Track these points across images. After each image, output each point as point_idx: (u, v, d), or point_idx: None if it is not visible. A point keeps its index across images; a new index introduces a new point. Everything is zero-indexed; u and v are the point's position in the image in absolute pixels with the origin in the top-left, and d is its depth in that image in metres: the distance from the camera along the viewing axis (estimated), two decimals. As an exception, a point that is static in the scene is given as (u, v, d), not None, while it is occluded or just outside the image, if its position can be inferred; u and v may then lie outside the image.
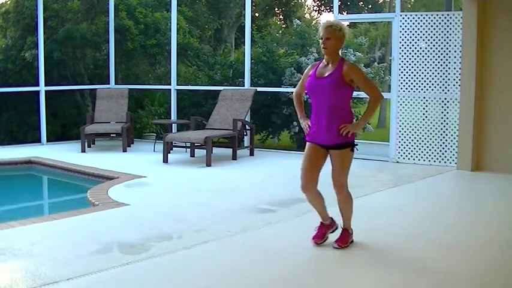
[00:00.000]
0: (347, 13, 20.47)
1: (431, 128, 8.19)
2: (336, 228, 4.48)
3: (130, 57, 13.01)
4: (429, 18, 8.13)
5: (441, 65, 8.07)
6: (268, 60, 12.54)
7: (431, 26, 8.10)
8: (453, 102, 8.01)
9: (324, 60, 4.21)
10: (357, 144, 4.25)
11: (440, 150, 8.13)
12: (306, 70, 4.32)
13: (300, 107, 4.41)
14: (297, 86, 4.48)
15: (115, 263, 3.94)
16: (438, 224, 5.18)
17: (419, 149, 8.28)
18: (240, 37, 17.88)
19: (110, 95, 10.47)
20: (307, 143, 4.27)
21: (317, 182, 4.26)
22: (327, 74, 4.11)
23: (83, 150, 9.34)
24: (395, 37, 8.42)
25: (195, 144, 8.71)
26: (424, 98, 8.22)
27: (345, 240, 4.31)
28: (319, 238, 4.39)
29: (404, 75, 8.32)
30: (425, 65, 8.16)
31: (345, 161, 4.19)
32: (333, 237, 4.43)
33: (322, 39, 4.12)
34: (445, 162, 8.08)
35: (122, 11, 12.43)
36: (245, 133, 9.27)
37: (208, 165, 8.07)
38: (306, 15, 25.72)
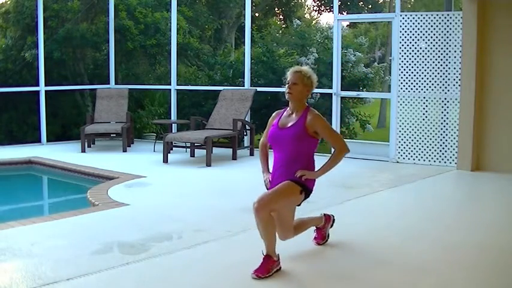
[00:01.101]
0: (347, 13, 20.46)
1: (431, 128, 8.19)
2: (334, 221, 4.42)
3: (130, 57, 13.01)
4: (429, 18, 8.13)
5: (441, 65, 8.07)
6: (268, 60, 12.54)
7: (431, 26, 8.10)
8: (453, 102, 8.01)
9: (288, 109, 3.98)
10: (310, 192, 3.89)
11: (440, 150, 8.13)
12: (271, 118, 4.08)
13: (265, 160, 4.10)
14: (263, 135, 4.16)
15: (115, 263, 3.95)
16: (438, 224, 5.18)
17: (419, 149, 8.28)
18: (240, 37, 17.87)
19: (110, 95, 10.47)
20: None
21: (291, 227, 3.99)
22: (289, 125, 3.87)
23: (83, 150, 9.33)
24: (395, 37, 8.42)
25: (195, 144, 8.71)
26: (424, 98, 8.22)
27: (267, 268, 3.72)
28: (321, 239, 4.39)
29: (404, 75, 8.32)
30: (425, 65, 8.16)
31: (283, 188, 3.76)
32: (334, 237, 4.42)
33: (288, 83, 3.89)
34: (445, 162, 8.08)
35: (121, 11, 12.44)
36: (245, 133, 9.27)
37: (208, 165, 8.07)
38: (306, 15, 25.72)
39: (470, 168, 7.68)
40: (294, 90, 3.87)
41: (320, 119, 3.86)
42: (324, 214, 4.43)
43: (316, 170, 3.90)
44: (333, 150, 3.96)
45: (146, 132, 12.50)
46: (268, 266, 3.71)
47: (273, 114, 4.11)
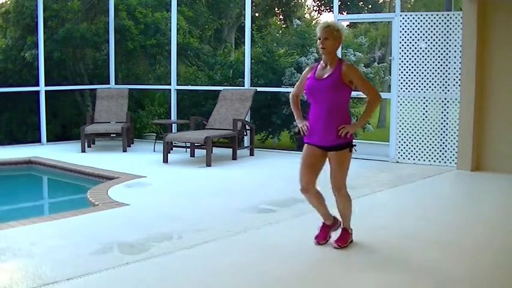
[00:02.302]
0: (347, 13, 20.46)
1: (431, 128, 8.19)
2: (339, 226, 4.47)
3: (130, 57, 13.01)
4: (429, 18, 8.13)
5: (441, 65, 8.07)
6: (268, 60, 12.54)
7: (431, 26, 8.10)
8: (453, 102, 8.01)
9: (322, 62, 4.21)
10: (355, 145, 4.24)
11: (440, 150, 8.13)
12: (304, 72, 4.32)
13: (298, 109, 4.41)
14: (294, 87, 4.47)
15: (115, 263, 3.95)
16: (438, 224, 5.18)
17: (419, 149, 8.28)
18: (240, 37, 17.88)
19: (110, 95, 10.47)
20: (305, 144, 4.27)
21: (316, 182, 4.26)
22: (326, 76, 4.11)
23: (83, 150, 9.34)
24: (395, 37, 8.43)
25: (195, 144, 8.71)
26: (424, 98, 8.22)
27: (345, 240, 4.32)
28: (322, 238, 4.40)
29: (404, 75, 8.32)
30: (425, 65, 8.17)
31: (343, 163, 4.19)
32: (333, 237, 4.43)
33: (320, 39, 4.11)
34: (445, 162, 8.08)
35: (122, 11, 12.43)
36: (245, 133, 9.27)
37: (208, 165, 8.07)
38: (306, 15, 25.72)
39: (470, 168, 7.69)
40: (326, 44, 4.09)
41: (354, 68, 4.19)
42: (334, 217, 4.48)
43: (354, 121, 4.24)
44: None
45: (146, 132, 12.50)
46: (346, 237, 4.32)
47: (307, 68, 4.35)
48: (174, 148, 9.23)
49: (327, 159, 4.24)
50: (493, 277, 3.84)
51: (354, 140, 4.26)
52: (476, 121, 7.70)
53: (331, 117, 4.09)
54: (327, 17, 25.46)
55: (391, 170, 7.95)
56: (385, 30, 24.81)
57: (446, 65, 8.04)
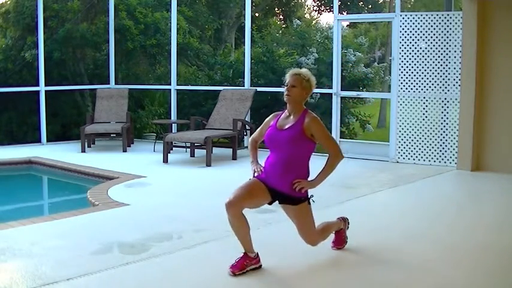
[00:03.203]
0: (347, 13, 20.46)
1: (431, 128, 8.19)
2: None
3: (130, 57, 13.01)
4: (429, 18, 8.13)
5: (441, 65, 8.07)
6: (268, 60, 12.54)
7: (431, 26, 8.10)
8: (453, 102, 8.01)
9: (286, 111, 3.95)
10: (312, 196, 3.94)
11: (440, 150, 8.13)
12: (268, 119, 4.06)
13: (254, 152, 4.11)
14: (255, 131, 4.17)
15: (115, 263, 3.95)
16: (438, 224, 5.18)
17: (419, 149, 8.28)
18: (240, 37, 17.86)
19: (110, 95, 10.47)
20: (254, 178, 3.91)
21: (243, 208, 3.82)
22: (287, 127, 3.84)
23: (83, 150, 9.34)
24: (395, 37, 8.42)
25: (195, 144, 8.71)
26: (424, 98, 8.22)
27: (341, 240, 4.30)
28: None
29: (404, 75, 8.32)
30: (425, 65, 8.17)
31: (305, 217, 3.92)
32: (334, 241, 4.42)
33: (287, 85, 3.86)
34: (445, 162, 8.08)
35: (122, 11, 12.43)
36: (245, 133, 9.27)
37: (208, 165, 8.07)
38: (306, 15, 25.68)
39: (470, 168, 7.69)
40: (293, 92, 3.85)
41: (317, 122, 3.84)
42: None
43: (311, 178, 3.87)
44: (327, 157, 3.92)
45: (146, 132, 12.49)
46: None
47: (270, 116, 4.08)
48: (174, 148, 9.23)
49: (285, 210, 3.96)
50: (494, 277, 3.84)
51: (308, 193, 3.95)
52: (476, 121, 7.70)
53: (288, 169, 3.80)
54: (327, 17, 25.42)
55: (391, 170, 7.95)
56: (385, 30, 24.80)
57: (446, 65, 8.04)
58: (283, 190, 3.82)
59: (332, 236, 4.32)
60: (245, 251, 3.83)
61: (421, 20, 8.17)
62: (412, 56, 8.25)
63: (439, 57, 8.08)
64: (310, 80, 3.89)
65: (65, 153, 9.02)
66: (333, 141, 3.96)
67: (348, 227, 4.41)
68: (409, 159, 8.36)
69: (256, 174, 3.91)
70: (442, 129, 8.12)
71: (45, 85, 10.21)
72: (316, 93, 10.90)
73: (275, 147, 3.88)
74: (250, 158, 4.11)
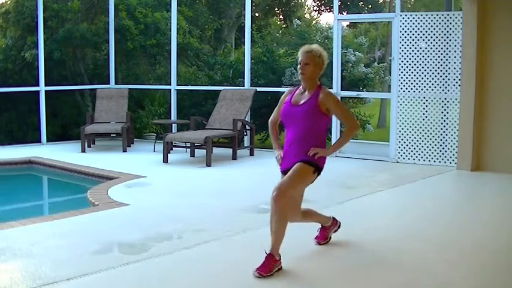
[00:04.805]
0: (347, 13, 20.45)
1: (431, 128, 8.19)
2: (339, 227, 4.45)
3: (130, 57, 13.01)
4: (429, 18, 8.13)
5: (441, 65, 8.07)
6: (268, 60, 12.54)
7: (431, 26, 8.10)
8: (453, 102, 8.01)
9: (300, 87, 4.04)
10: (321, 170, 3.95)
11: (440, 150, 8.13)
12: (283, 96, 4.13)
13: (275, 137, 4.20)
14: (272, 113, 4.23)
15: (115, 263, 3.95)
16: (438, 224, 5.18)
17: (419, 149, 8.28)
18: (240, 37, 17.86)
19: (110, 95, 10.47)
20: (282, 174, 4.02)
21: (299, 207, 4.09)
22: (302, 102, 3.93)
23: (83, 150, 9.34)
24: (395, 37, 8.42)
25: (195, 144, 8.71)
26: (424, 98, 8.22)
27: (268, 268, 3.70)
28: (322, 239, 4.40)
29: (404, 75, 8.32)
30: (425, 65, 8.16)
31: (299, 172, 3.83)
32: (334, 237, 4.42)
33: (300, 64, 3.94)
34: (445, 162, 8.08)
35: (122, 11, 12.44)
36: (245, 133, 9.27)
37: (208, 165, 8.07)
38: (306, 15, 25.68)
39: (470, 168, 7.68)
40: (306, 70, 3.93)
41: (332, 97, 3.95)
42: (333, 218, 4.45)
43: (327, 147, 3.98)
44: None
45: (146, 132, 12.49)
46: (270, 265, 3.71)
47: (285, 92, 4.17)
48: (174, 148, 9.23)
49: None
50: (494, 278, 3.84)
51: (323, 167, 3.96)
52: (476, 121, 7.70)
53: (305, 143, 3.88)
54: (327, 17, 25.43)
55: (391, 170, 7.95)
56: (385, 30, 24.78)
57: (446, 65, 8.04)
58: (297, 160, 3.86)
59: (315, 231, 4.40)
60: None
61: (421, 20, 8.17)
62: (412, 56, 8.25)
63: (439, 57, 8.08)
64: (322, 55, 3.99)
65: (65, 153, 9.02)
66: (349, 114, 4.10)
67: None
68: (409, 159, 8.36)
69: (278, 163, 4.03)
70: (442, 129, 8.12)
71: (45, 85, 10.21)
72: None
73: (291, 123, 3.98)
74: (273, 144, 4.18)
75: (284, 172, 3.98)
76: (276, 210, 3.75)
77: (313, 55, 3.94)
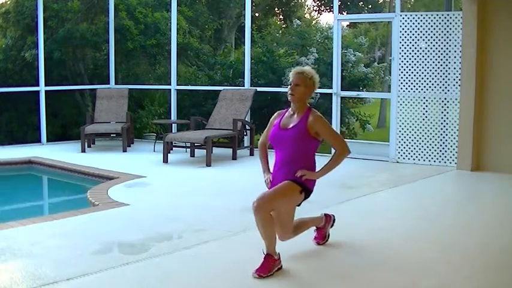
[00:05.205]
0: (347, 13, 20.45)
1: (431, 128, 8.19)
2: (334, 221, 4.41)
3: (130, 57, 13.01)
4: (429, 18, 8.13)
5: (441, 65, 8.07)
6: (268, 60, 12.54)
7: (431, 26, 8.10)
8: (453, 102, 8.01)
9: (290, 109, 3.97)
10: (310, 193, 3.90)
11: (440, 150, 8.13)
12: (272, 118, 4.08)
13: (264, 159, 4.12)
14: (262, 134, 4.18)
15: (115, 263, 3.95)
16: (438, 224, 5.18)
17: (419, 149, 8.28)
18: (240, 37, 17.86)
19: (110, 95, 10.47)
20: None
21: (290, 228, 4.01)
22: (290, 126, 3.87)
23: (83, 150, 9.34)
24: (395, 37, 8.42)
25: (195, 144, 8.71)
26: (424, 98, 8.22)
27: (268, 268, 3.72)
28: (321, 239, 4.39)
29: (404, 75, 8.32)
30: (425, 65, 8.16)
31: (284, 188, 3.77)
32: (334, 237, 4.42)
33: (291, 84, 3.88)
34: (445, 162, 8.08)
35: (122, 11, 12.43)
36: (245, 133, 9.27)
37: (208, 165, 8.07)
38: (306, 15, 25.68)
39: (470, 168, 7.68)
40: (296, 91, 3.86)
41: (321, 121, 3.85)
42: (325, 214, 4.42)
43: (316, 170, 3.90)
44: (333, 151, 3.96)
45: (146, 132, 12.49)
46: (270, 265, 3.71)
47: (275, 114, 4.10)
48: (174, 148, 9.23)
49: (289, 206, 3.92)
50: (493, 277, 3.84)
51: (312, 189, 3.91)
52: (476, 121, 7.70)
53: (293, 166, 3.82)
54: (327, 17, 25.40)
55: (391, 170, 7.95)
56: (385, 30, 24.79)
57: (446, 65, 8.04)
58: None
59: (313, 232, 4.38)
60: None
61: (421, 20, 8.17)
62: (412, 56, 8.25)
63: (439, 57, 8.08)
64: (313, 78, 3.90)
65: (65, 153, 9.02)
66: (339, 138, 4.00)
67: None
68: (409, 159, 8.36)
69: (267, 187, 3.92)
70: (442, 129, 8.12)
71: (45, 85, 10.21)
72: (316, 93, 10.90)
73: (279, 147, 3.91)
74: (261, 166, 4.09)
75: None
76: (258, 220, 3.69)
77: (304, 77, 3.87)
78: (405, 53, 8.28)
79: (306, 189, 3.86)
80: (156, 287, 3.60)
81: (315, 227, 4.38)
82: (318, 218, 4.37)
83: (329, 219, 4.41)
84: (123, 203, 5.73)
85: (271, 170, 4.03)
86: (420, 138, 8.27)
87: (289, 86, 3.91)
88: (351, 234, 4.62)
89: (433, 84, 8.14)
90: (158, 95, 13.30)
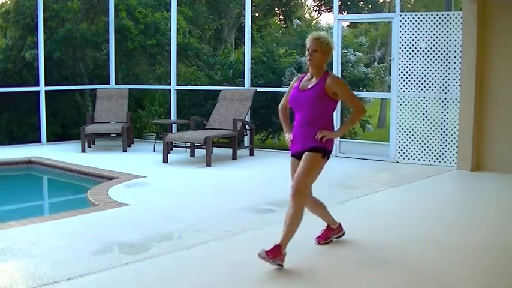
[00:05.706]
0: (347, 13, 20.45)
1: (431, 128, 8.19)
2: (342, 235, 4.49)
3: (130, 57, 13.01)
4: (429, 18, 8.13)
5: (441, 65, 8.07)
6: (268, 60, 12.53)
7: (431, 26, 8.10)
8: (453, 102, 8.01)
9: (308, 73, 4.15)
10: (330, 153, 4.07)
11: (440, 150, 8.13)
12: (292, 82, 4.27)
13: (286, 121, 4.33)
14: (283, 98, 4.35)
15: (115, 263, 3.95)
16: (438, 224, 5.18)
17: (419, 149, 8.28)
18: (240, 37, 17.86)
19: (110, 95, 10.47)
20: (291, 157, 4.20)
21: (310, 191, 4.18)
22: (309, 87, 4.05)
23: (83, 150, 9.34)
24: (395, 37, 8.42)
25: (195, 144, 8.71)
26: (424, 98, 8.22)
27: (274, 254, 3.76)
28: (323, 239, 4.41)
29: (404, 75, 8.32)
30: (425, 65, 8.17)
31: (310, 164, 3.95)
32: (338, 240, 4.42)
33: (308, 50, 4.06)
34: (445, 162, 8.08)
35: (122, 11, 12.44)
36: (245, 133, 9.27)
37: (208, 165, 8.07)
38: (306, 15, 25.69)
39: (470, 168, 7.68)
40: (314, 57, 4.04)
41: (339, 82, 4.09)
42: (340, 223, 4.49)
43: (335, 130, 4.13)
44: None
45: (146, 132, 12.49)
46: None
47: (294, 78, 4.30)
48: (174, 148, 9.23)
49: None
50: (493, 277, 3.84)
51: (332, 149, 4.10)
52: (476, 121, 7.70)
53: (313, 126, 4.01)
54: (327, 17, 25.40)
55: (391, 170, 7.95)
56: (385, 30, 24.78)
57: (446, 65, 8.04)
58: (303, 148, 4.00)
59: (318, 231, 4.44)
60: (328, 224, 4.26)
61: (421, 20, 8.17)
62: (412, 56, 8.25)
63: (439, 57, 8.08)
64: (329, 43, 4.10)
65: (65, 153, 9.02)
66: (356, 99, 4.21)
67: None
68: (409, 159, 8.36)
69: (289, 146, 4.18)
70: (442, 129, 8.12)
71: (45, 85, 10.21)
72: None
73: (299, 108, 4.09)
74: (283, 127, 4.32)
75: (294, 155, 4.12)
76: (292, 205, 3.88)
77: (321, 42, 4.04)
78: (405, 53, 8.29)
79: (327, 152, 4.04)
80: (156, 287, 3.60)
81: (325, 226, 4.42)
82: (334, 219, 4.44)
83: (340, 229, 4.48)
84: (123, 203, 5.73)
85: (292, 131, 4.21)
86: (420, 138, 8.27)
87: (306, 52, 4.07)
88: (351, 234, 4.61)
89: (433, 84, 8.14)
90: (158, 95, 13.30)
